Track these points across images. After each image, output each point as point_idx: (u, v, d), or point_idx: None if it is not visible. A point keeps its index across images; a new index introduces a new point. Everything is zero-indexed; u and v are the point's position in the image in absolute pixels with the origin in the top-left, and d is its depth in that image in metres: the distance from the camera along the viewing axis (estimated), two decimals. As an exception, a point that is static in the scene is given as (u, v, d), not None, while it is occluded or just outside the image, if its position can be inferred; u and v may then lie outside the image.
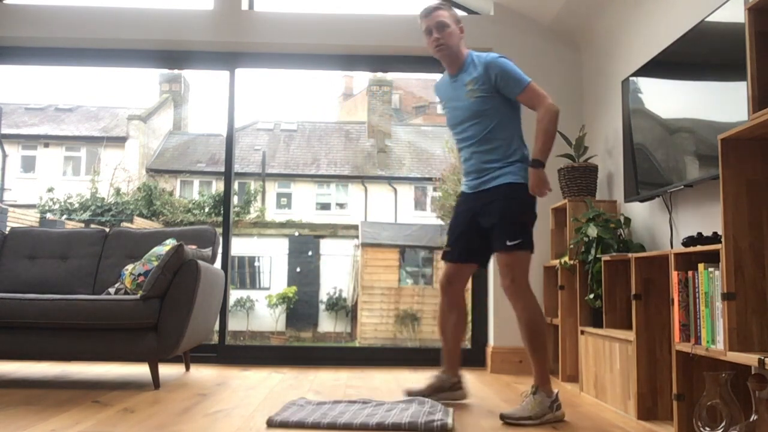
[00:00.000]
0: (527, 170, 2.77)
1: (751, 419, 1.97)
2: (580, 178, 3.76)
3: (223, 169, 4.69)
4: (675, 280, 2.36)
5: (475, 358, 4.35)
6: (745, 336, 2.00)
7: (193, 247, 3.63)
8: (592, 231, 3.36)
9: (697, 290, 2.25)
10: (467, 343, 4.42)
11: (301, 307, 13.96)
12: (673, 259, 2.39)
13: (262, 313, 13.83)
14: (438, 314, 3.07)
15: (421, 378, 3.79)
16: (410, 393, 2.96)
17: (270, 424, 2.44)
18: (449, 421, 2.49)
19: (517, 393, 3.26)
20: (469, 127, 2.89)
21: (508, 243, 2.71)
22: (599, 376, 3.13)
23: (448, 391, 2.99)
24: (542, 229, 4.24)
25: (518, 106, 2.91)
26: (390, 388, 3.40)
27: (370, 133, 18.08)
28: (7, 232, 4.05)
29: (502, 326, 4.17)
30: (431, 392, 2.96)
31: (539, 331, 2.74)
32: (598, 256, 3.29)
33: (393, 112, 19.67)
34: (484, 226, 2.83)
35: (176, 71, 17.14)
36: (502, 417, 2.61)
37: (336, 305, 13.95)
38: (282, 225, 14.80)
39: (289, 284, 14.17)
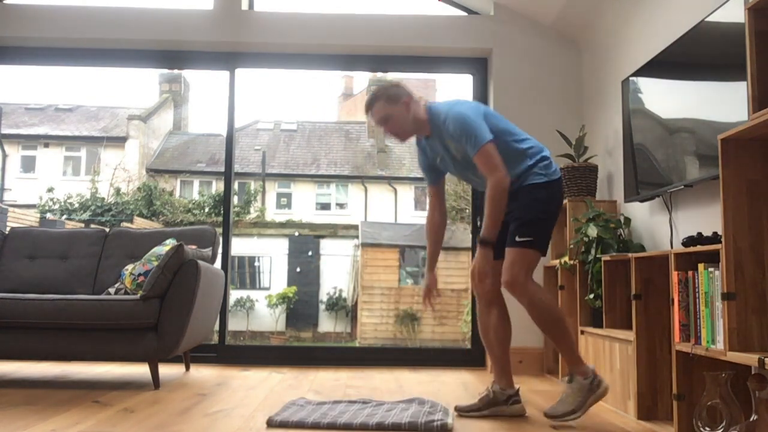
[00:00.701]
0: (547, 167, 2.68)
1: (751, 419, 1.97)
2: (580, 178, 3.77)
3: (223, 169, 4.69)
4: (675, 280, 2.36)
5: (475, 358, 4.36)
6: (745, 336, 2.00)
7: (193, 247, 3.63)
8: (592, 231, 3.36)
9: (697, 290, 2.25)
10: (467, 343, 4.42)
11: (301, 307, 13.96)
12: (673, 259, 2.39)
13: (262, 313, 13.83)
14: (478, 319, 2.90)
15: (421, 378, 3.80)
16: (460, 410, 2.74)
17: (270, 424, 2.44)
18: (449, 421, 2.49)
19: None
20: (472, 175, 2.75)
21: (518, 239, 2.64)
22: (599, 376, 3.13)
23: (503, 404, 2.72)
24: (542, 229, 4.24)
25: (501, 126, 2.69)
26: (390, 388, 3.40)
27: (370, 133, 18.07)
28: (7, 232, 4.05)
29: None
30: (484, 407, 2.73)
31: (554, 320, 2.63)
32: (598, 256, 3.29)
33: (393, 112, 19.64)
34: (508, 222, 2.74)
35: (176, 71, 17.14)
36: (547, 415, 2.58)
37: (336, 305, 13.95)
38: (282, 225, 14.80)
39: (289, 284, 14.17)
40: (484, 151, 2.56)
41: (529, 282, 2.64)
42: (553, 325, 2.65)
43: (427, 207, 2.99)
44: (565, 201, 3.76)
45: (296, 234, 14.65)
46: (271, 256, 14.60)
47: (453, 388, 3.46)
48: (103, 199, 14.35)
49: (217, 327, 4.28)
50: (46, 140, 16.52)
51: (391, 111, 2.67)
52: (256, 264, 14.70)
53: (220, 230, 4.24)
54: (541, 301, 2.64)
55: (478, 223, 4.49)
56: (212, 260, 3.85)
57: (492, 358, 2.82)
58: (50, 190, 14.27)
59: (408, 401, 2.86)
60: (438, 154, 2.79)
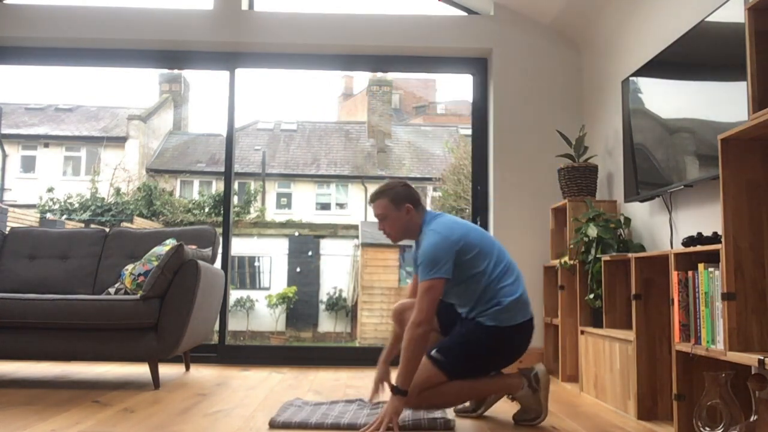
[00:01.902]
0: (501, 312, 2.53)
1: (751, 419, 1.97)
2: (580, 178, 3.77)
3: (223, 169, 4.69)
4: (675, 280, 2.36)
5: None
6: (745, 336, 2.00)
7: (193, 247, 3.63)
8: (592, 231, 3.36)
9: (697, 290, 2.25)
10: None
11: (301, 307, 13.96)
12: (673, 259, 2.39)
13: (262, 313, 13.82)
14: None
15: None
16: (457, 411, 2.76)
17: (272, 425, 2.44)
18: (451, 418, 2.50)
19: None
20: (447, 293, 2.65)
21: (432, 353, 2.51)
22: (599, 376, 3.13)
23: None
24: (542, 229, 4.25)
25: (474, 265, 2.57)
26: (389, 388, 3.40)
27: (370, 133, 18.07)
28: (7, 232, 4.05)
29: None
30: (477, 407, 2.75)
31: (459, 395, 2.59)
32: (598, 256, 3.29)
33: (393, 112, 19.66)
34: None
35: (176, 71, 17.14)
36: (517, 422, 2.59)
37: (336, 305, 13.95)
38: (282, 225, 14.80)
39: (289, 284, 14.17)
40: (428, 285, 2.44)
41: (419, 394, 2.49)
42: (461, 390, 2.56)
43: (407, 293, 2.88)
44: (566, 201, 3.76)
45: (296, 234, 14.65)
46: (271, 256, 14.60)
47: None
48: (103, 199, 14.35)
49: (217, 327, 4.28)
50: (46, 140, 16.51)
51: (390, 212, 2.64)
52: (256, 264, 14.70)
53: (220, 230, 4.24)
54: (438, 394, 2.52)
55: (478, 225, 4.49)
56: (212, 260, 3.85)
57: None
58: (50, 190, 14.27)
59: None
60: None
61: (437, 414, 2.53)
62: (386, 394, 2.85)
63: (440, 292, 2.47)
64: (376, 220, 2.70)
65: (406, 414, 2.56)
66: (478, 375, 2.58)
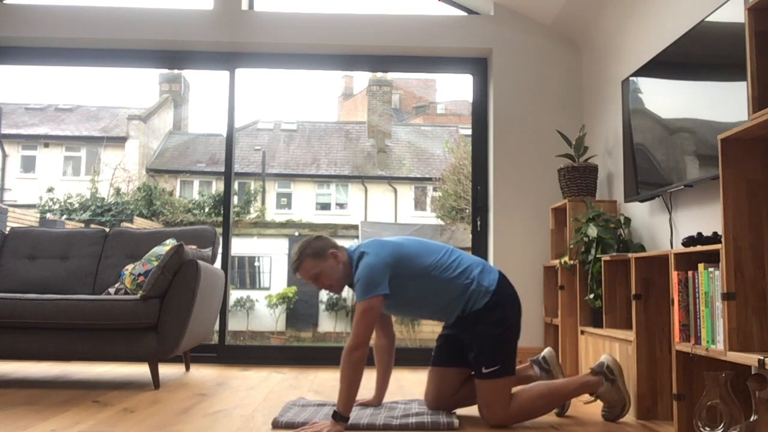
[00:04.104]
0: (482, 282, 2.55)
1: (751, 419, 1.97)
2: (580, 178, 3.77)
3: (223, 169, 4.69)
4: (675, 280, 2.36)
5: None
6: (745, 336, 2.00)
7: (193, 247, 3.63)
8: (592, 231, 3.36)
9: (697, 290, 2.25)
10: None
11: (301, 307, 13.96)
12: (673, 259, 2.39)
13: (262, 313, 13.83)
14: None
15: (421, 378, 3.80)
16: None
17: (275, 425, 2.43)
18: (455, 420, 2.50)
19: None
20: (407, 310, 2.72)
21: (485, 370, 2.51)
22: (599, 376, 3.13)
23: None
24: (542, 229, 4.25)
25: (418, 265, 2.56)
26: (390, 388, 3.38)
27: (370, 133, 18.08)
28: (7, 232, 4.05)
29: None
30: None
31: (547, 401, 2.59)
32: (598, 256, 3.29)
33: (393, 112, 19.68)
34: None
35: (176, 71, 17.14)
36: (607, 419, 2.65)
37: (336, 305, 13.95)
38: (282, 225, 14.81)
39: (289, 284, 14.17)
40: (362, 303, 2.42)
41: (510, 408, 2.51)
42: (549, 403, 2.59)
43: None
44: (566, 201, 3.76)
45: (296, 234, 14.66)
46: (271, 256, 14.60)
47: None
48: (103, 199, 14.36)
49: (217, 327, 4.28)
50: (46, 140, 16.52)
51: (320, 266, 2.57)
52: (256, 264, 14.70)
53: (220, 230, 4.24)
54: (526, 408, 2.53)
55: (478, 225, 4.49)
56: (212, 260, 3.85)
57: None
58: (50, 190, 14.28)
59: (407, 402, 2.86)
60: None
61: (441, 417, 2.53)
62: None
63: (377, 312, 2.46)
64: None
65: (411, 414, 2.56)
66: (517, 347, 2.60)
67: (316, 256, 2.58)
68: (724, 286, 2.02)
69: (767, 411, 1.94)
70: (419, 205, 16.61)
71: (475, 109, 4.63)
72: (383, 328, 2.81)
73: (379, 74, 17.75)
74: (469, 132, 4.72)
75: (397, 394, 3.16)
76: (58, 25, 4.46)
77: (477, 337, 2.55)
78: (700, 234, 2.39)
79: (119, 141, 16.42)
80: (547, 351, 2.84)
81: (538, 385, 2.59)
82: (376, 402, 2.80)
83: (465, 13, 4.61)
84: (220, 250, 4.08)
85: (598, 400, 2.68)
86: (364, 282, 2.45)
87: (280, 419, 2.47)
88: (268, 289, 14.28)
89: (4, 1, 4.51)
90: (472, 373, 2.57)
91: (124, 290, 3.59)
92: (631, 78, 3.38)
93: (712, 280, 2.16)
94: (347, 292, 13.91)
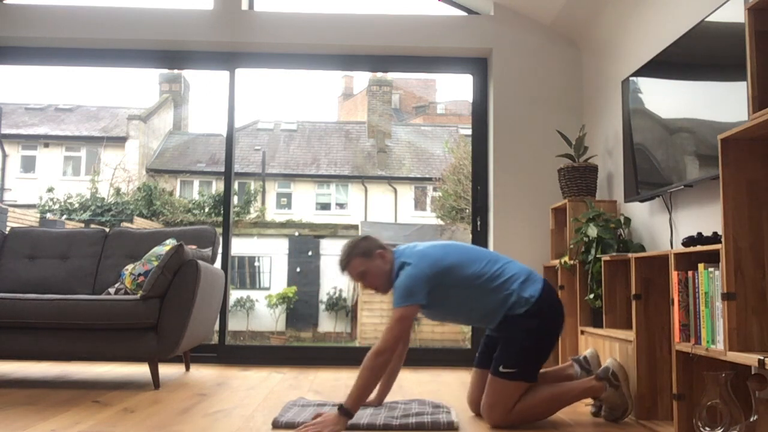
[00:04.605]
0: (524, 291, 2.56)
1: (751, 419, 1.97)
2: (580, 178, 3.77)
3: (223, 169, 4.69)
4: (675, 280, 2.36)
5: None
6: (745, 336, 2.00)
7: (193, 247, 3.63)
8: (592, 231, 3.36)
9: (697, 290, 2.25)
10: (467, 343, 4.42)
11: (301, 307, 13.96)
12: (673, 259, 2.39)
13: (262, 313, 13.83)
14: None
15: (421, 378, 3.80)
16: None
17: (276, 425, 2.43)
18: (454, 419, 2.50)
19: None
20: (451, 316, 2.74)
21: (502, 369, 2.52)
22: (599, 376, 3.13)
23: None
24: (542, 229, 4.25)
25: (460, 275, 2.58)
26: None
27: (370, 133, 18.07)
28: (7, 232, 4.05)
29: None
30: None
31: (549, 405, 2.59)
32: (598, 256, 3.29)
33: (393, 112, 19.67)
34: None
35: (176, 71, 17.14)
36: (608, 420, 2.65)
37: (336, 305, 13.95)
38: (282, 225, 14.81)
39: (289, 284, 14.17)
40: (398, 310, 2.47)
41: (512, 411, 2.50)
42: (551, 407, 2.60)
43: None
44: (566, 201, 3.76)
45: (296, 234, 14.66)
46: (271, 256, 14.60)
47: (453, 388, 3.46)
48: (103, 199, 14.35)
49: (217, 327, 4.28)
50: (46, 140, 16.51)
51: (367, 265, 2.61)
52: (256, 264, 14.70)
53: (220, 230, 4.24)
54: (528, 412, 2.53)
55: (478, 225, 4.49)
56: (212, 260, 3.85)
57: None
58: (50, 190, 14.27)
59: (407, 402, 2.86)
60: None
61: (441, 416, 2.53)
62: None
63: (411, 321, 2.51)
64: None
65: (411, 414, 2.56)
66: (546, 359, 2.60)
67: (363, 255, 2.62)
68: (724, 286, 2.02)
69: (767, 411, 1.94)
70: (419, 205, 16.61)
71: (475, 109, 4.63)
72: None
73: (379, 74, 17.75)
74: (469, 132, 4.72)
75: (397, 394, 3.16)
76: (58, 25, 4.46)
77: (507, 337, 2.57)
78: (700, 234, 2.39)
79: (119, 141, 16.42)
80: (589, 351, 2.82)
81: (542, 390, 2.58)
82: (377, 402, 2.81)
83: (465, 13, 4.61)
84: (220, 250, 4.08)
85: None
86: (402, 290, 2.50)
87: (280, 419, 2.47)
88: (268, 289, 14.28)
89: (4, 1, 4.51)
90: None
91: (124, 290, 3.59)
92: (631, 78, 3.38)
93: (712, 280, 2.16)
94: (347, 292, 13.91)
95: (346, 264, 2.64)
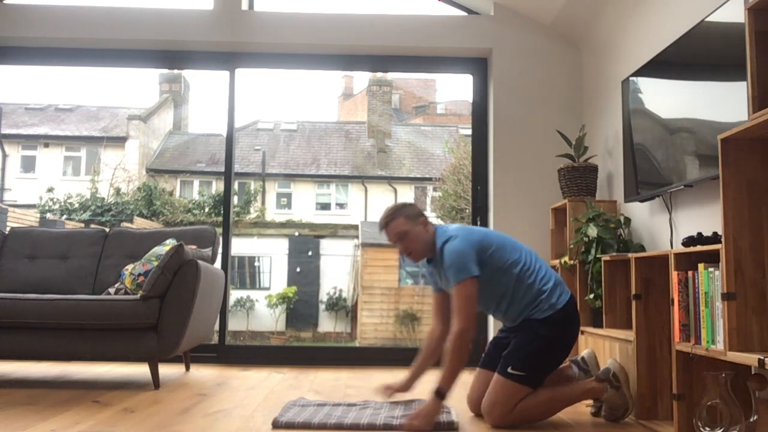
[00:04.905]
0: (551, 296, 2.58)
1: (751, 419, 1.97)
2: (580, 178, 3.77)
3: (223, 169, 4.69)
4: (675, 280, 2.36)
5: (474, 359, 4.34)
6: (745, 336, 2.00)
7: (193, 247, 3.63)
8: (592, 231, 3.36)
9: (697, 290, 2.25)
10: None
11: (301, 307, 13.95)
12: (673, 259, 2.39)
13: (262, 313, 13.82)
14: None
15: (421, 378, 3.79)
16: None
17: (276, 425, 2.43)
18: (454, 419, 2.50)
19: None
20: (482, 306, 2.71)
21: (509, 370, 2.52)
22: (599, 376, 3.13)
23: None
24: (542, 229, 4.25)
25: (500, 258, 2.60)
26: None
27: (370, 133, 18.06)
28: (7, 232, 4.05)
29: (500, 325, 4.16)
30: None
31: (550, 406, 2.60)
32: (598, 256, 3.29)
33: (393, 112, 19.66)
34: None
35: (176, 71, 17.13)
36: (609, 420, 2.65)
37: (336, 305, 13.95)
38: (282, 225, 14.79)
39: (289, 284, 14.16)
40: (462, 285, 2.48)
41: (512, 412, 2.51)
42: (551, 408, 2.60)
43: (434, 311, 2.87)
44: (566, 201, 3.76)
45: (296, 234, 14.65)
46: (271, 256, 14.59)
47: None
48: (103, 199, 14.34)
49: (217, 327, 4.28)
50: (46, 140, 16.50)
51: (409, 228, 2.64)
52: (256, 264, 14.69)
53: (220, 230, 4.24)
54: (528, 412, 2.53)
55: (478, 225, 4.49)
56: (212, 260, 3.85)
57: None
58: (50, 190, 14.26)
59: (407, 402, 2.86)
60: (441, 278, 2.72)
61: (441, 415, 2.53)
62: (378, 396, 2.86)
63: (476, 294, 2.51)
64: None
65: (379, 415, 2.56)
66: (554, 369, 2.61)
67: (407, 218, 2.65)
68: (724, 286, 2.02)
69: (767, 411, 1.94)
70: (419, 205, 16.60)
71: (475, 109, 4.63)
72: (443, 317, 2.81)
73: (379, 74, 17.74)
74: (469, 132, 4.73)
75: (395, 394, 3.15)
76: (58, 25, 4.46)
77: (521, 339, 2.57)
78: (700, 234, 2.39)
79: (119, 141, 16.41)
80: (586, 352, 2.83)
81: (543, 391, 2.58)
82: (406, 387, 2.83)
83: (465, 13, 4.61)
84: (220, 250, 4.08)
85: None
86: (457, 265, 2.51)
87: (280, 419, 2.47)
88: (268, 289, 14.27)
89: (4, 1, 4.51)
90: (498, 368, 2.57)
91: (124, 290, 3.59)
92: (631, 78, 3.38)
93: (712, 280, 2.16)
94: (347, 292, 13.91)
95: (389, 221, 2.65)
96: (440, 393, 2.40)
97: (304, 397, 3.02)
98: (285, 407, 2.71)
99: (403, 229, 2.64)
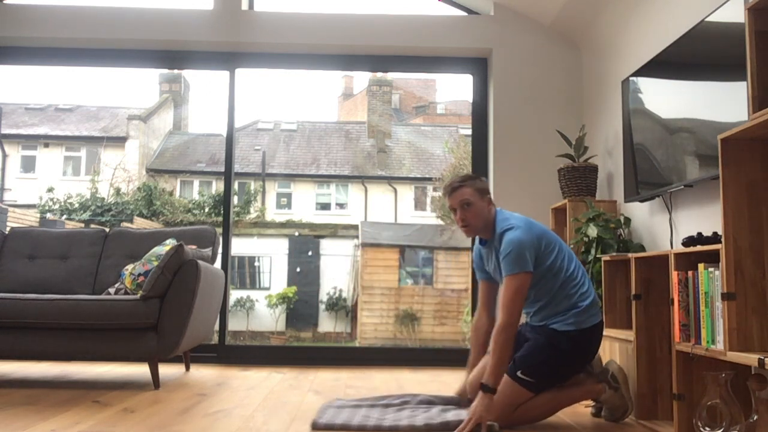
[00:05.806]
0: (581, 314, 2.53)
1: (751, 419, 1.97)
2: (580, 178, 3.77)
3: (223, 169, 4.69)
4: (675, 280, 2.36)
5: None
6: (745, 336, 2.00)
7: (193, 247, 3.63)
8: (592, 231, 3.36)
9: (697, 290, 2.25)
10: (467, 343, 4.42)
11: (301, 307, 13.95)
12: (673, 259, 2.39)
13: (262, 313, 13.82)
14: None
15: (422, 378, 3.80)
16: None
17: (315, 427, 2.42)
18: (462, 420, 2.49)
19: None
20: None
21: (519, 374, 2.50)
22: (599, 376, 3.13)
23: None
24: (542, 229, 4.24)
25: (552, 260, 2.57)
26: (390, 388, 3.40)
27: (370, 133, 18.06)
28: (7, 232, 4.05)
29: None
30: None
31: (550, 407, 2.60)
32: (598, 256, 3.29)
33: (393, 112, 19.66)
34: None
35: (176, 71, 17.13)
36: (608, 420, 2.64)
37: (336, 305, 13.95)
38: (282, 225, 14.79)
39: (289, 284, 14.16)
40: (515, 278, 2.45)
41: (512, 413, 2.50)
42: (550, 408, 2.59)
43: (480, 300, 2.83)
44: (566, 201, 3.76)
45: (296, 234, 14.65)
46: (271, 256, 14.59)
47: (453, 388, 3.45)
48: (103, 199, 14.34)
49: (217, 327, 4.28)
50: (46, 140, 16.50)
51: (476, 200, 2.62)
52: (256, 264, 14.69)
53: (220, 230, 4.24)
54: (528, 413, 2.53)
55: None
56: (212, 260, 3.85)
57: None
58: (50, 190, 14.26)
59: (415, 407, 2.80)
60: (491, 262, 2.70)
61: (449, 416, 2.53)
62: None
63: (527, 289, 2.49)
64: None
65: (417, 417, 2.56)
66: (561, 382, 2.59)
67: (477, 190, 2.64)
68: (724, 286, 2.02)
69: (767, 411, 1.94)
70: (419, 205, 16.59)
71: (475, 109, 4.63)
72: (489, 308, 2.78)
73: (379, 74, 17.74)
74: (469, 132, 4.72)
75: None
76: (58, 25, 4.46)
77: (536, 343, 2.54)
78: (700, 234, 2.39)
79: (119, 141, 16.40)
80: (613, 368, 2.73)
81: (544, 392, 2.58)
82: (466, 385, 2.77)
83: (465, 13, 4.61)
84: (220, 250, 4.08)
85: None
86: (514, 256, 2.47)
87: (318, 421, 2.46)
88: (268, 289, 14.27)
89: (4, 1, 4.51)
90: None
91: (124, 290, 3.59)
92: (631, 78, 3.38)
93: (712, 280, 2.16)
94: (347, 292, 13.91)
95: (458, 186, 2.62)
96: (487, 388, 2.39)
97: (340, 398, 2.99)
98: (321, 408, 2.68)
99: (470, 199, 2.61)
